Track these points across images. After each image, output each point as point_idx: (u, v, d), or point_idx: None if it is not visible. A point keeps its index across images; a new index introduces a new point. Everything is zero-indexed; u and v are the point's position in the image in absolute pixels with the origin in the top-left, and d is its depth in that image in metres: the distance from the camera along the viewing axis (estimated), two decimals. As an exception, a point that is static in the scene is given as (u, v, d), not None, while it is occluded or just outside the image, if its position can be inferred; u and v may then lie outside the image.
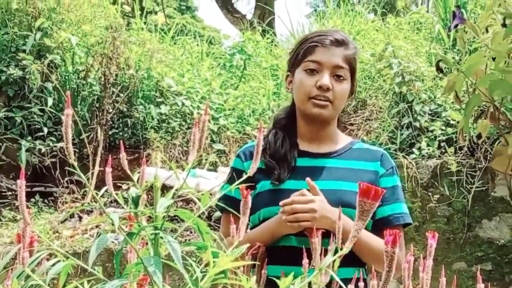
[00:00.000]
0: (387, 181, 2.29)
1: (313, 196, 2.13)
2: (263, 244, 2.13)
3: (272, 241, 2.20)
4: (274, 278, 1.39)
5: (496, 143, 4.61)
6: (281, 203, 2.13)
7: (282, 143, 2.33)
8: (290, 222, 2.11)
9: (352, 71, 2.31)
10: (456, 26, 3.46)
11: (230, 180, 2.20)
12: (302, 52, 2.31)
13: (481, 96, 3.48)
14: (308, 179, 2.16)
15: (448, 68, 4.50)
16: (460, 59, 5.49)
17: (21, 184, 1.26)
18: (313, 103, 2.25)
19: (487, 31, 3.60)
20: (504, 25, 3.43)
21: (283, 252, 2.18)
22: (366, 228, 2.20)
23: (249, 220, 2.25)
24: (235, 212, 1.47)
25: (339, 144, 2.36)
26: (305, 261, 1.53)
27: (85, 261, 1.33)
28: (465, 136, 3.90)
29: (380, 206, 2.21)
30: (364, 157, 2.33)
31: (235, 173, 2.19)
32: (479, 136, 3.98)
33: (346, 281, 1.41)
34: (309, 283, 1.36)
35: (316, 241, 1.45)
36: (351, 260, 2.07)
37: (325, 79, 2.23)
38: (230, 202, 1.81)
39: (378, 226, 2.19)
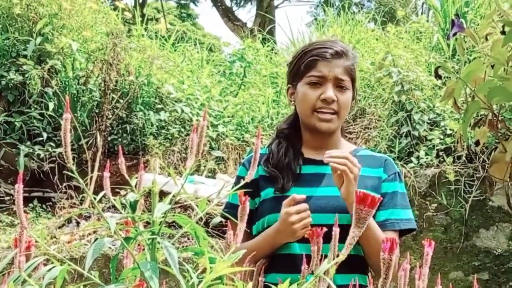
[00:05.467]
0: (388, 187, 2.30)
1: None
2: (262, 255, 2.15)
3: (271, 251, 2.21)
4: (273, 286, 1.39)
5: (494, 151, 4.62)
6: (285, 210, 2.16)
7: (285, 152, 2.34)
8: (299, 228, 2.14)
9: (353, 80, 2.35)
10: (455, 34, 3.46)
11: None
12: (303, 66, 2.32)
13: (479, 102, 3.48)
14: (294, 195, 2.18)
15: (447, 77, 4.51)
16: (460, 69, 5.50)
17: (19, 188, 1.27)
18: (318, 117, 2.28)
19: (486, 39, 3.60)
20: (503, 32, 3.43)
21: (286, 260, 2.20)
22: None
23: (252, 228, 2.28)
24: (233, 219, 1.47)
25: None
26: (303, 267, 1.53)
27: (82, 267, 1.33)
28: (463, 144, 3.90)
29: (377, 211, 2.21)
30: (368, 163, 2.33)
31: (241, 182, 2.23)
32: (477, 143, 3.98)
33: (346, 287, 1.41)
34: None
35: (316, 249, 1.45)
36: (353, 266, 2.08)
37: (330, 92, 2.27)
38: (234, 210, 1.82)
39: None
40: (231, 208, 2.21)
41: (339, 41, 2.42)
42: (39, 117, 6.07)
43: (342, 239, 1.37)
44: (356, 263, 2.17)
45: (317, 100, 2.27)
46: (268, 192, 2.29)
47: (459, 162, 4.97)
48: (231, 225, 2.32)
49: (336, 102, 2.27)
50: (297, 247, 2.19)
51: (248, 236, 2.27)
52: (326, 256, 1.44)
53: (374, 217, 2.22)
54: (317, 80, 2.29)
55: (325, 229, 1.52)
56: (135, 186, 1.41)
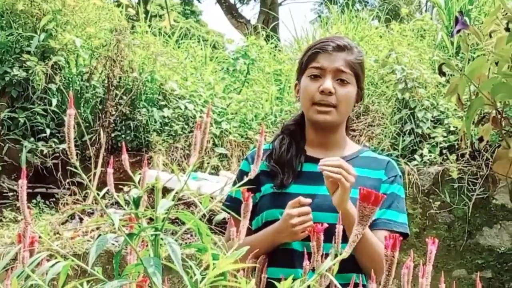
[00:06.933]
0: (386, 188, 2.28)
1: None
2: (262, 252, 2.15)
3: (271, 249, 2.21)
4: (274, 281, 1.39)
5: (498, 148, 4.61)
6: (288, 211, 2.16)
7: (288, 148, 2.33)
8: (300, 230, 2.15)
9: (357, 76, 2.31)
10: (458, 31, 3.46)
11: (238, 183, 2.22)
12: (306, 59, 2.33)
13: (483, 99, 3.48)
14: (300, 198, 2.18)
15: (451, 74, 4.51)
16: (464, 66, 5.49)
17: (22, 184, 1.27)
18: (316, 110, 2.26)
19: (490, 36, 3.60)
20: (507, 29, 3.43)
21: (284, 255, 2.20)
22: None
23: (251, 223, 2.28)
24: (235, 215, 1.47)
25: (347, 151, 2.35)
26: (305, 263, 1.53)
27: (85, 263, 1.33)
28: (467, 141, 3.90)
29: None
30: (370, 165, 2.32)
31: (243, 176, 2.22)
32: (480, 140, 3.98)
33: (345, 286, 1.41)
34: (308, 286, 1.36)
35: (315, 244, 1.45)
36: (351, 266, 2.08)
37: (327, 83, 2.24)
38: (234, 204, 1.82)
39: None
40: (232, 202, 2.21)
41: (345, 37, 2.41)
42: (42, 113, 6.07)
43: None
44: (353, 263, 2.15)
45: (316, 92, 2.25)
46: (267, 187, 2.29)
47: (463, 160, 4.97)
48: (233, 220, 2.34)
49: (334, 95, 2.25)
50: (296, 243, 2.19)
51: (250, 231, 2.27)
52: (326, 255, 1.44)
53: None
54: (317, 72, 2.27)
55: (325, 225, 1.52)
56: (139, 182, 1.41)
